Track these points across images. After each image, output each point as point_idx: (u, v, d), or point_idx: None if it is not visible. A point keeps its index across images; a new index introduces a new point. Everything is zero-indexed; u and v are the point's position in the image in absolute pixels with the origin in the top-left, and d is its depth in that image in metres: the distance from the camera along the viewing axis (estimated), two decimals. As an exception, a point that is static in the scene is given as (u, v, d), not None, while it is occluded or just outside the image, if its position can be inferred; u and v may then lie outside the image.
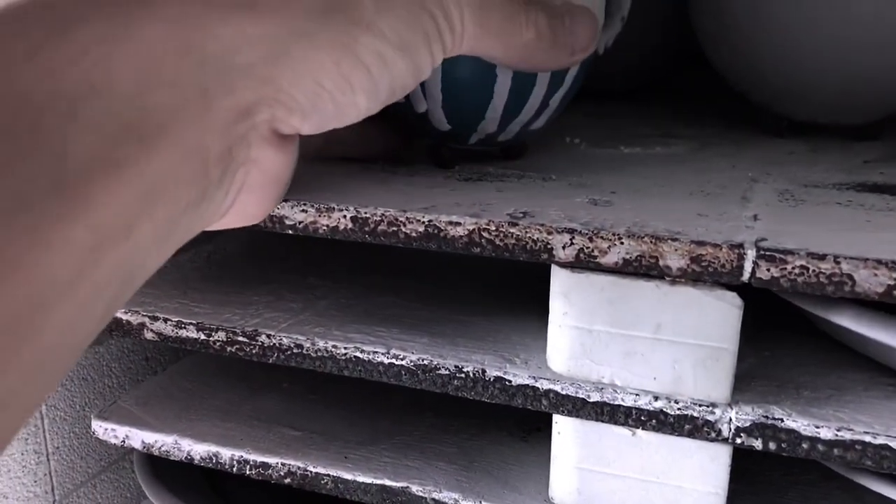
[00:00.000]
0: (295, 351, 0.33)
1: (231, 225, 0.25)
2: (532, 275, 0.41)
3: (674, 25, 0.53)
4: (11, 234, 0.14)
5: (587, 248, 0.27)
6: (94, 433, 0.37)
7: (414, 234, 0.29)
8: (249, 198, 0.23)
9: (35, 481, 0.41)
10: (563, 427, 0.30)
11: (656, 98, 0.57)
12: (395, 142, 0.36)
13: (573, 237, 0.27)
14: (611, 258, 0.27)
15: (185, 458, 0.36)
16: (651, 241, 0.27)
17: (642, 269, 0.27)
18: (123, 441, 0.37)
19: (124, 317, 0.35)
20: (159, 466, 0.41)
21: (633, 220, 0.28)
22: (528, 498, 0.32)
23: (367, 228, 0.30)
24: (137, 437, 0.37)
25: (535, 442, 0.36)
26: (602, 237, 0.27)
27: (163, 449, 0.36)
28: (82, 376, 0.43)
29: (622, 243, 0.27)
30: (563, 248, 0.27)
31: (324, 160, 0.35)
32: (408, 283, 0.38)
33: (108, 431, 0.37)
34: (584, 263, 0.27)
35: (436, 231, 0.29)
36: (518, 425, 0.37)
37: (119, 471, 0.47)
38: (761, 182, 0.34)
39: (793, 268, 0.25)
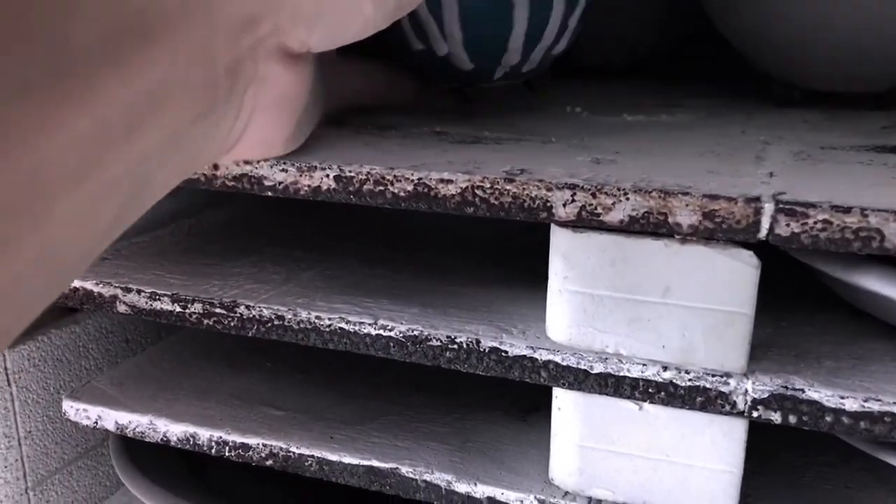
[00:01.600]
0: (276, 323, 0.30)
1: (247, 155, 0.26)
2: (529, 240, 0.39)
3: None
4: (10, 117, 0.14)
5: (590, 204, 0.25)
6: (65, 414, 0.35)
7: (402, 194, 0.27)
8: (263, 121, 0.23)
9: (5, 467, 0.39)
10: (564, 401, 0.28)
11: (659, 72, 0.55)
12: (413, 89, 0.36)
13: (574, 193, 0.25)
14: (615, 215, 0.25)
15: (161, 439, 0.34)
16: (659, 196, 0.24)
17: (650, 226, 0.25)
18: (96, 422, 0.35)
19: (96, 288, 0.33)
20: (136, 451, 0.39)
21: (639, 177, 0.26)
22: (527, 479, 0.29)
23: (351, 188, 0.28)
24: (111, 418, 0.35)
25: (535, 422, 0.33)
26: (606, 193, 0.25)
27: (137, 430, 0.34)
28: (56, 357, 0.41)
29: (627, 199, 0.25)
30: (564, 205, 0.25)
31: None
32: (397, 254, 0.36)
33: (80, 412, 0.35)
34: (586, 222, 0.25)
35: (426, 190, 0.27)
36: (516, 404, 0.35)
37: (96, 457, 0.44)
38: (775, 145, 0.32)
39: (815, 222, 0.23)
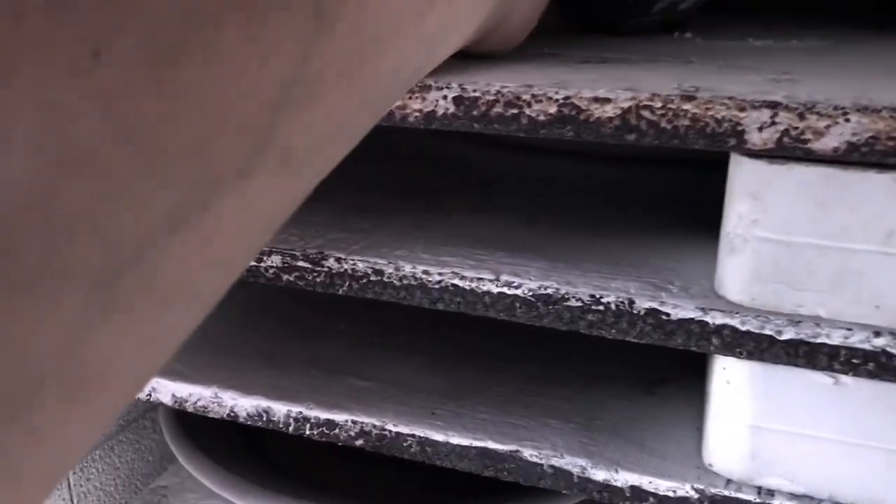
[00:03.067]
0: (373, 279, 0.25)
1: (495, 45, 0.25)
2: (658, 181, 0.34)
3: None
4: None
5: (795, 128, 0.20)
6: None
7: (542, 118, 0.22)
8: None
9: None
10: (736, 374, 0.23)
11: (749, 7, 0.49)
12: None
13: (775, 114, 0.20)
14: (829, 142, 0.20)
15: (228, 414, 0.29)
16: (892, 117, 0.19)
17: (874, 155, 0.19)
18: (149, 395, 0.30)
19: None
20: (189, 424, 0.34)
21: (851, 93, 0.20)
22: (676, 464, 0.25)
23: (475, 112, 0.22)
24: (166, 390, 0.30)
25: (666, 396, 0.29)
26: (819, 113, 0.20)
27: (199, 404, 0.29)
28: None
29: (848, 120, 0.19)
30: (760, 129, 0.20)
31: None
32: (503, 200, 0.31)
33: (132, 382, 0.30)
34: (788, 151, 0.20)
35: (574, 112, 0.21)
36: (636, 376, 0.30)
37: (139, 430, 0.40)
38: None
39: None
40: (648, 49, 0.29)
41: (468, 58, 0.24)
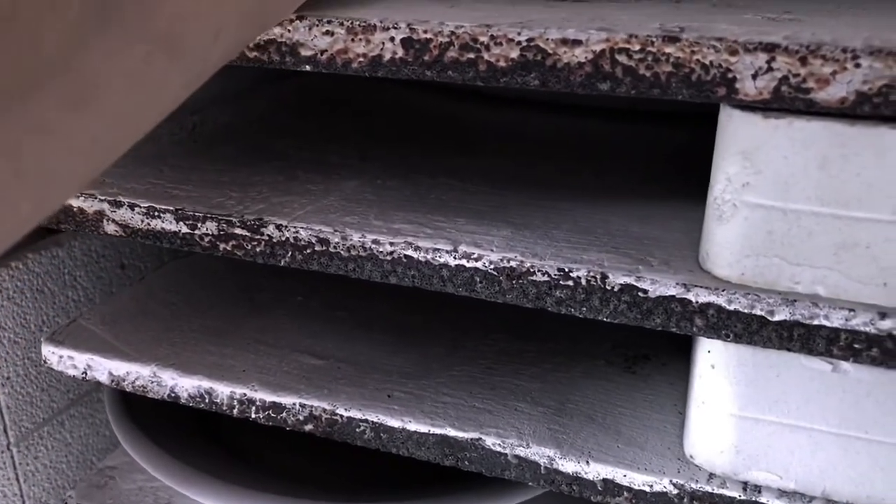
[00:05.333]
0: (318, 249, 0.22)
1: None
2: (643, 137, 0.31)
3: None
4: None
5: (796, 74, 0.17)
6: (45, 361, 0.28)
7: (502, 64, 0.19)
8: None
9: (-19, 420, 0.32)
10: (721, 357, 0.20)
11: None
12: None
13: (773, 58, 0.17)
14: (835, 91, 0.17)
15: (168, 395, 0.27)
16: (910, 61, 0.16)
17: (889, 107, 0.16)
18: (84, 373, 0.27)
19: (76, 203, 0.25)
20: (137, 403, 0.32)
21: (861, 35, 0.17)
22: (655, 455, 0.22)
23: (426, 57, 0.19)
24: (103, 368, 0.27)
25: (646, 376, 0.26)
26: (824, 56, 0.17)
27: (137, 384, 0.27)
28: (37, 287, 0.33)
29: (858, 66, 0.16)
30: (755, 76, 0.17)
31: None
32: (465, 160, 0.28)
33: (64, 360, 0.28)
34: (787, 102, 0.17)
35: (540, 56, 0.18)
36: (615, 351, 0.28)
37: (92, 404, 0.38)
38: None
39: None
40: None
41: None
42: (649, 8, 0.21)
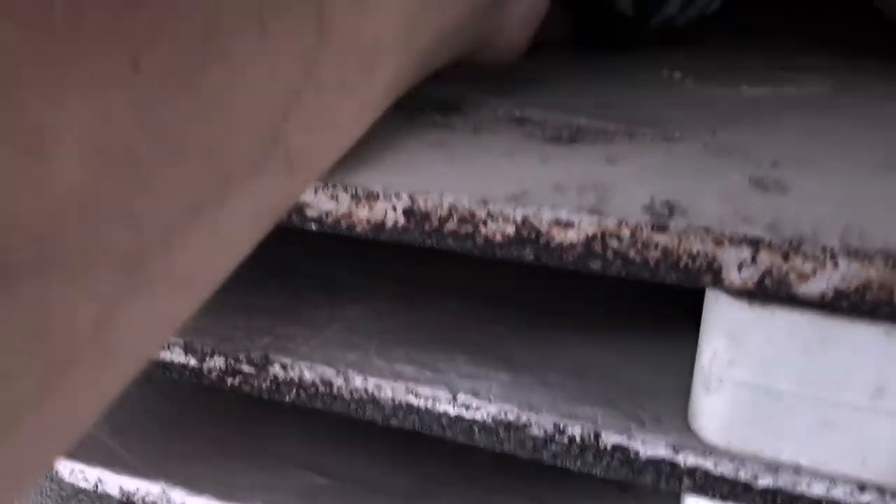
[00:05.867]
0: (322, 390, 0.23)
1: (487, 61, 0.25)
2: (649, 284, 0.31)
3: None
4: None
5: (779, 269, 0.18)
6: (57, 474, 0.29)
7: (499, 239, 0.20)
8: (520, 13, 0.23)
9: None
10: (709, 513, 0.21)
11: (748, 25, 0.46)
12: (565, 31, 0.34)
13: (756, 252, 0.18)
14: (815, 286, 0.17)
15: (177, 511, 0.27)
16: (885, 264, 0.17)
17: (865, 305, 0.17)
18: (96, 487, 0.28)
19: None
20: None
21: (842, 223, 0.18)
22: None
23: (426, 226, 0.20)
24: (114, 482, 0.28)
25: (645, 497, 0.27)
26: (804, 254, 0.17)
27: (147, 500, 0.28)
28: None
29: (836, 265, 0.17)
30: (740, 268, 0.18)
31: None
32: (475, 284, 0.29)
33: (76, 473, 0.28)
34: (770, 293, 0.18)
35: (534, 235, 0.19)
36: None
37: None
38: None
39: None
40: (630, 105, 0.26)
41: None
42: (640, 156, 0.22)
